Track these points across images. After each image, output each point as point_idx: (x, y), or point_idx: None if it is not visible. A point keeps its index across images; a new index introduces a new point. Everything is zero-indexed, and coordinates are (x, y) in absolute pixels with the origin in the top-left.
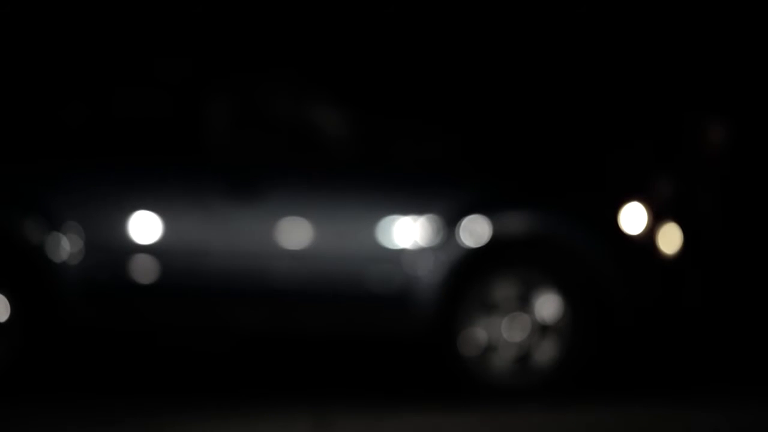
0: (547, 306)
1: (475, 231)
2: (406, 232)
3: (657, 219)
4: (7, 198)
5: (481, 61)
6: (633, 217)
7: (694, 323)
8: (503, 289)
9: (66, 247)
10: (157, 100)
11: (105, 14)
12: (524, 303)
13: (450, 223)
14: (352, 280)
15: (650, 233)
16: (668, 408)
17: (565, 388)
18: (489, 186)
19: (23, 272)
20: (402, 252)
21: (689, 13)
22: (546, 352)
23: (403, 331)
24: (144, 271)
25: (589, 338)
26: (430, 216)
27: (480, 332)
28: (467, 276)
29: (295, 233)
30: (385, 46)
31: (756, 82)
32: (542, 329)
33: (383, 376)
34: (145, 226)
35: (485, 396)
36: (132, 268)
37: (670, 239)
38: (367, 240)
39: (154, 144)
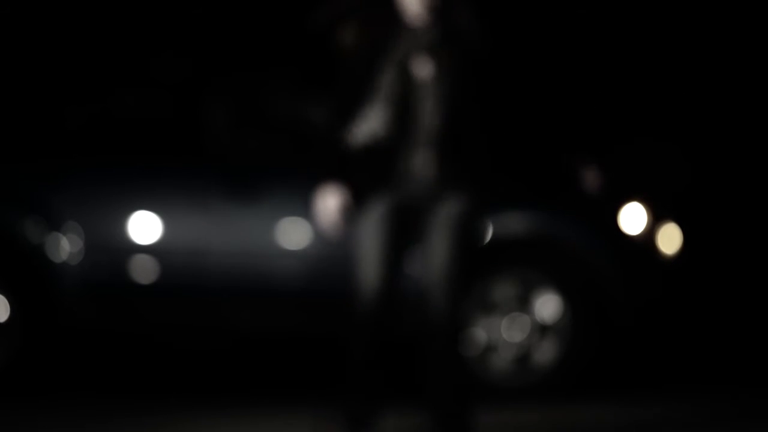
0: (547, 306)
1: None
2: None
3: (657, 219)
4: (7, 198)
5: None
6: (633, 217)
7: (694, 323)
8: (503, 289)
9: (66, 247)
10: (157, 101)
11: (105, 14)
12: (524, 303)
13: None
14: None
15: (650, 233)
16: (668, 408)
17: (565, 388)
18: (489, 186)
19: (23, 272)
20: None
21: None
22: (546, 352)
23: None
24: (144, 271)
25: (590, 338)
26: None
27: (480, 332)
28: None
29: (295, 233)
30: None
31: None
32: (542, 329)
33: (383, 376)
34: (145, 226)
35: (485, 396)
36: (132, 268)
37: (670, 239)
38: None
39: (154, 144)
